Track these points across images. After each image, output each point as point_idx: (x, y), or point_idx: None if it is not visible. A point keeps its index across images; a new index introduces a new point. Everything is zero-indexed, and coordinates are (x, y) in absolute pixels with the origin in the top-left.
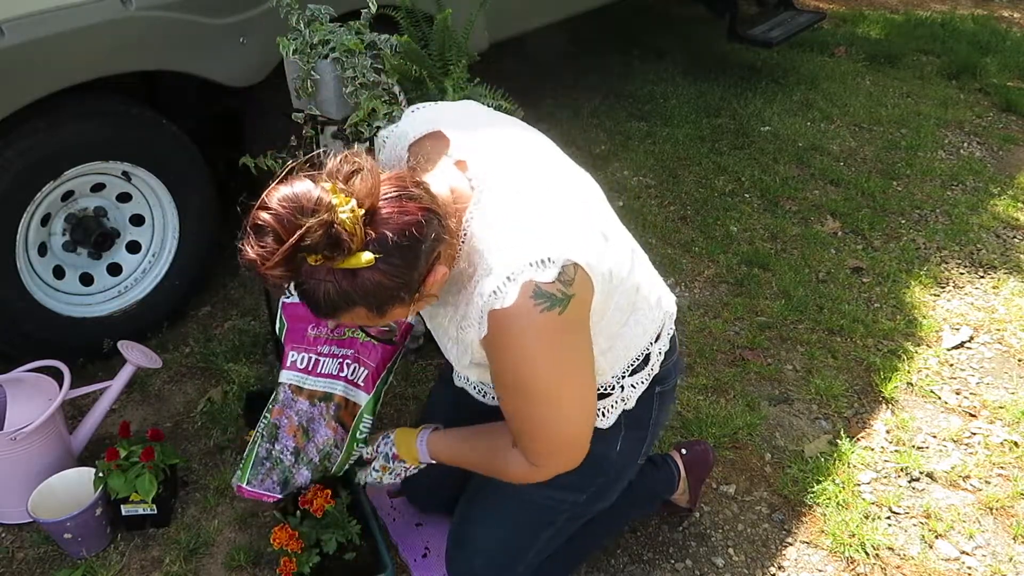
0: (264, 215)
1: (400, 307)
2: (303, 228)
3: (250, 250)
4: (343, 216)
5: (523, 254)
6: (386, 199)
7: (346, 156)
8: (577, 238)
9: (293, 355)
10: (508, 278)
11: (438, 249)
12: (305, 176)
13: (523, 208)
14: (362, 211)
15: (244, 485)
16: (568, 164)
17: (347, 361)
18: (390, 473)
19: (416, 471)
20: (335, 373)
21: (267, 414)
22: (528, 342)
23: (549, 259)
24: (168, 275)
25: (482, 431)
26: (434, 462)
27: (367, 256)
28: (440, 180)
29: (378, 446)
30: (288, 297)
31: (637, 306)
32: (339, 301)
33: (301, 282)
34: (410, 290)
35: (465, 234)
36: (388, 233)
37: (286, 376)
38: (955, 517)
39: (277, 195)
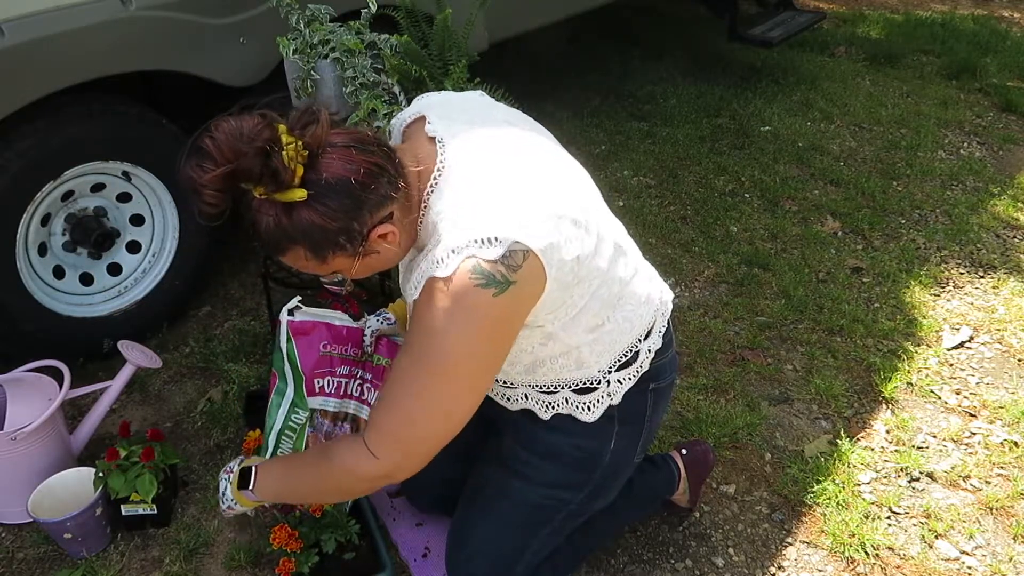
0: (207, 140)
1: (342, 256)
2: (239, 153)
3: (189, 169)
4: (284, 153)
5: (471, 231)
6: (333, 147)
7: (308, 108)
8: (535, 224)
9: (319, 381)
10: (452, 251)
11: (386, 206)
12: (259, 113)
13: (484, 188)
14: (306, 152)
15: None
16: (559, 156)
17: (367, 385)
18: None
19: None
20: (358, 395)
21: (301, 439)
22: (451, 310)
23: (496, 238)
24: (168, 275)
25: (300, 456)
26: (266, 504)
27: (300, 192)
28: (409, 153)
29: (222, 483)
30: (291, 316)
31: (624, 300)
32: (278, 235)
33: (248, 213)
34: (350, 238)
35: (424, 207)
36: (325, 175)
37: (317, 402)
38: (955, 517)
39: (224, 124)
